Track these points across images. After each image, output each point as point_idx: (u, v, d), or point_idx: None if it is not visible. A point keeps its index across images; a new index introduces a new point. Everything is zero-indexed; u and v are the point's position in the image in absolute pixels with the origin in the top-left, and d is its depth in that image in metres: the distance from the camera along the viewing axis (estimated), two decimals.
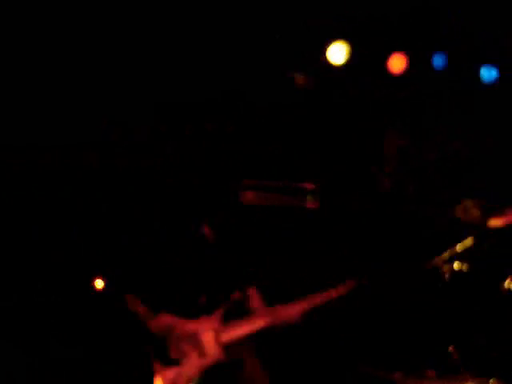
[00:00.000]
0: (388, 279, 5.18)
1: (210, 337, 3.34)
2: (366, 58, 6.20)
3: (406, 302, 5.83)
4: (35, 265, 4.93)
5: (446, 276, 5.41)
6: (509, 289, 5.19)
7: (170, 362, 3.26)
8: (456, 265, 5.45)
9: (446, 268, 5.44)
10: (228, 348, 3.37)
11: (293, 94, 6.30)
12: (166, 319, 3.31)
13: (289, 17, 5.73)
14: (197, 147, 5.67)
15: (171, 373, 3.25)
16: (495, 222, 5.34)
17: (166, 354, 3.24)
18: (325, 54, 5.93)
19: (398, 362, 5.27)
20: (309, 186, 5.65)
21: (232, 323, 3.43)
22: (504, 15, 6.04)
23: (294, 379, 4.81)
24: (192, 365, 3.29)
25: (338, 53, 5.93)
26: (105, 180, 5.38)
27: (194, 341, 3.30)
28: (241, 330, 3.43)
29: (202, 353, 3.30)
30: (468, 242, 5.43)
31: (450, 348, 5.18)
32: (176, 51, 5.57)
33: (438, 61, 6.29)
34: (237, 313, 3.44)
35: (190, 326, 3.32)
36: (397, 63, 6.20)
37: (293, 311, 3.54)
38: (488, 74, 6.52)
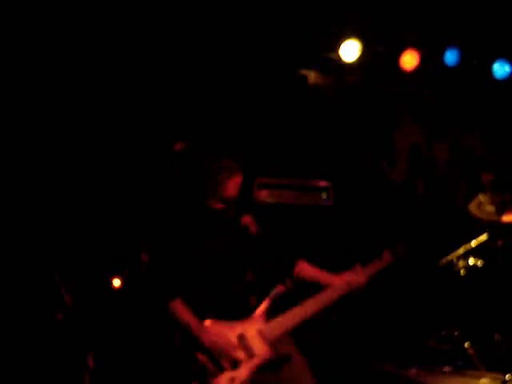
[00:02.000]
0: (402, 275, 5.18)
1: (256, 337, 3.31)
2: (378, 54, 6.20)
3: (420, 298, 5.83)
4: (51, 263, 4.96)
5: (461, 272, 5.42)
6: None
7: (221, 368, 3.23)
8: (471, 260, 5.46)
9: (460, 264, 5.46)
10: (275, 345, 3.35)
11: (305, 91, 6.31)
12: (210, 325, 3.28)
13: (302, 14, 5.74)
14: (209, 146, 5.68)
15: (225, 379, 3.22)
16: (509, 218, 5.35)
17: (215, 361, 3.22)
18: (337, 51, 5.93)
19: (413, 357, 5.28)
20: (322, 183, 5.67)
21: (274, 320, 3.40)
22: None
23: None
24: (244, 367, 3.28)
25: (350, 50, 5.93)
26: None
27: (241, 343, 3.28)
28: (284, 326, 3.41)
29: (251, 354, 3.29)
30: (482, 237, 5.44)
31: (466, 343, 5.20)
32: (185, 50, 5.58)
33: (450, 57, 6.27)
34: (277, 309, 3.43)
35: (235, 329, 3.30)
36: (409, 60, 6.19)
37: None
38: (501, 69, 6.50)
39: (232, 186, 3.48)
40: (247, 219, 3.58)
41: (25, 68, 5.15)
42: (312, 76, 6.32)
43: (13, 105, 5.13)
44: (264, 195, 5.41)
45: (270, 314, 3.43)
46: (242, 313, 3.40)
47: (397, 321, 5.84)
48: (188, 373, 3.27)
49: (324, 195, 5.61)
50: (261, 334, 3.36)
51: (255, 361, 3.31)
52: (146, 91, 5.52)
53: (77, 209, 5.21)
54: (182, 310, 3.29)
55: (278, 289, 3.45)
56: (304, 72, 6.29)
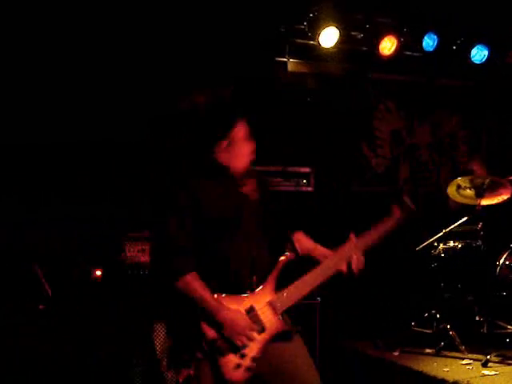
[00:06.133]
0: (384, 258, 5.21)
1: (266, 309, 3.18)
2: (357, 40, 6.21)
3: (402, 281, 5.88)
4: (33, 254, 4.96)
5: (441, 254, 5.48)
6: (504, 264, 5.27)
7: (233, 345, 3.10)
8: (450, 243, 5.52)
9: (441, 247, 5.51)
10: (285, 316, 3.24)
11: (284, 78, 6.31)
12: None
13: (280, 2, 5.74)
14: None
15: (235, 357, 3.10)
16: (488, 201, 5.41)
17: (226, 338, 3.15)
18: (317, 38, 5.94)
19: (396, 340, 5.33)
20: (303, 169, 5.68)
21: (283, 291, 3.25)
22: None
23: None
24: (255, 343, 3.12)
25: (329, 37, 5.94)
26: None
27: (251, 317, 3.14)
28: (294, 297, 3.26)
29: (261, 328, 3.14)
30: (461, 220, 5.50)
31: (448, 325, 5.26)
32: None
33: (428, 42, 6.30)
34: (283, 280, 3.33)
35: (243, 302, 3.17)
36: (388, 45, 6.21)
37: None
38: (479, 54, 6.53)
39: None
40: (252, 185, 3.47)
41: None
42: (292, 63, 6.33)
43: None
44: None
45: (278, 286, 3.30)
46: (245, 287, 3.28)
47: (379, 304, 5.89)
48: (193, 349, 3.16)
49: (304, 181, 5.62)
50: (271, 305, 3.25)
51: (266, 334, 3.21)
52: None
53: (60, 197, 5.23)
54: (197, 284, 3.17)
55: (284, 259, 3.32)
56: (283, 59, 6.31)
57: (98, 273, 4.91)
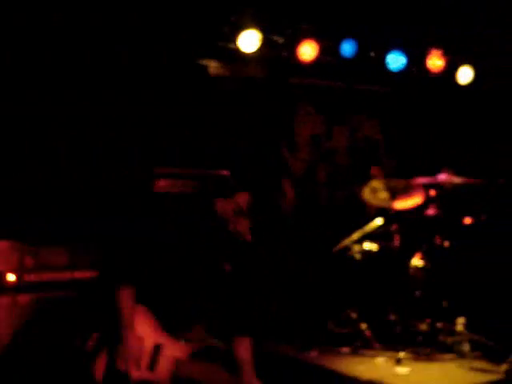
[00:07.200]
0: (299, 260, 5.31)
1: (169, 360, 3.35)
2: (277, 45, 6.27)
3: (318, 283, 5.97)
4: None
5: (357, 256, 5.61)
6: (416, 266, 5.44)
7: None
8: (366, 245, 5.65)
9: (356, 248, 5.64)
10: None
11: (206, 82, 6.31)
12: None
13: (202, 4, 5.74)
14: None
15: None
16: (401, 204, 5.58)
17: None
18: (236, 41, 5.96)
19: (312, 340, 5.42)
20: (222, 173, 5.69)
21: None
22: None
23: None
24: (136, 373, 3.25)
25: (249, 40, 5.97)
26: None
27: (154, 352, 3.32)
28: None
29: (152, 367, 3.30)
30: (376, 222, 5.65)
31: (363, 325, 5.39)
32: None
33: (347, 48, 6.41)
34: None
35: (160, 338, 3.34)
36: (307, 51, 6.29)
37: None
38: (395, 61, 6.68)
39: None
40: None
41: None
42: (212, 66, 6.34)
43: None
44: (162, 185, 5.39)
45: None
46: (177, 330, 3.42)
47: (296, 304, 5.95)
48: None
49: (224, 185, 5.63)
50: (175, 361, 3.40)
51: (150, 376, 3.34)
52: None
53: None
54: (127, 299, 3.30)
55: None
56: (204, 62, 6.30)
57: (11, 277, 4.78)
